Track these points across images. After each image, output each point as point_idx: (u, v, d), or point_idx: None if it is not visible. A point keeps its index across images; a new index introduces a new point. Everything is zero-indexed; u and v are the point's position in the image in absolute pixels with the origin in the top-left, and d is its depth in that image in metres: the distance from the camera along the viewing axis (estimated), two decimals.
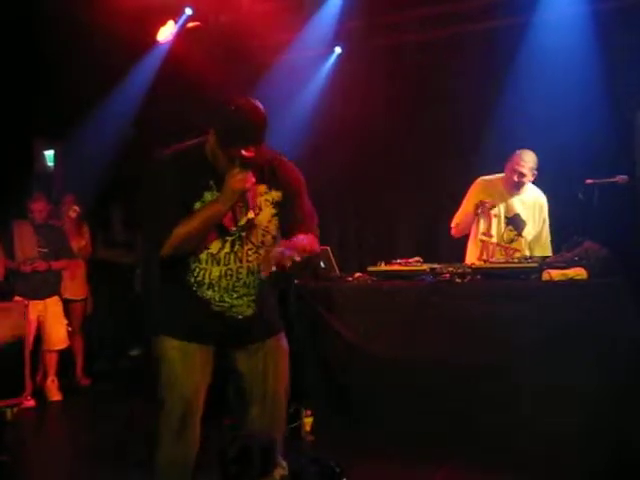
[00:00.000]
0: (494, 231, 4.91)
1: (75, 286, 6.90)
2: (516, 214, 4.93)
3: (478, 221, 4.94)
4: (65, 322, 6.54)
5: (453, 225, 5.08)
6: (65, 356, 6.65)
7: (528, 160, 4.79)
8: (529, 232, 4.93)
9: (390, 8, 6.62)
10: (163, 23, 6.94)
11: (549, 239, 4.96)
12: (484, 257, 4.83)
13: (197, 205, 2.66)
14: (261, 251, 2.74)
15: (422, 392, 4.29)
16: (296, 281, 4.85)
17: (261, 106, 2.63)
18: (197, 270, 2.70)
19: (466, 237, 5.09)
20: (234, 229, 2.70)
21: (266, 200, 2.75)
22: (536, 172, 4.83)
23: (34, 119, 7.02)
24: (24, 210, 6.44)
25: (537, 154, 4.82)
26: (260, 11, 6.66)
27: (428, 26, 6.58)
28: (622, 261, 4.19)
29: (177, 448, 2.72)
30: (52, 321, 6.37)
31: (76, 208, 6.95)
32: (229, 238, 2.70)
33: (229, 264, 2.70)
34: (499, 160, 4.94)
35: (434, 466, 3.96)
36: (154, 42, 7.00)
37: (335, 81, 7.02)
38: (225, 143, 2.59)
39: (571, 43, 5.72)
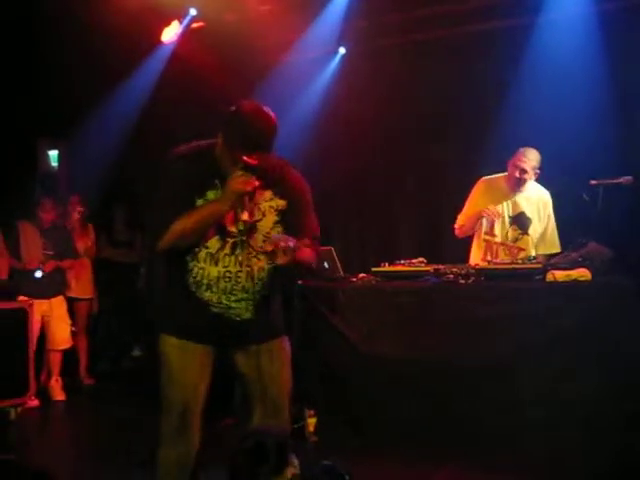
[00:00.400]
0: (498, 231, 4.90)
1: (81, 285, 6.92)
2: (521, 212, 4.90)
3: (482, 221, 4.94)
4: (69, 322, 6.55)
5: (457, 226, 5.07)
6: (69, 356, 6.66)
7: (531, 158, 4.78)
8: (535, 230, 4.90)
9: (394, 8, 6.61)
10: (167, 23, 6.95)
11: (556, 236, 4.91)
12: (488, 257, 4.82)
13: (199, 202, 2.68)
14: (262, 257, 2.74)
15: (425, 393, 4.29)
16: (300, 282, 4.85)
17: (272, 114, 2.64)
18: (195, 270, 2.71)
19: (470, 237, 5.08)
20: (234, 231, 2.71)
21: (270, 207, 2.76)
22: (539, 171, 4.82)
23: (38, 119, 7.03)
24: (28, 210, 6.46)
25: (542, 154, 4.81)
26: (264, 11, 6.66)
27: (432, 26, 6.57)
28: (626, 262, 4.18)
29: (177, 446, 2.74)
30: (57, 321, 6.38)
31: (80, 210, 6.98)
32: (229, 240, 2.71)
33: (228, 266, 2.71)
34: (503, 160, 4.93)
35: (435, 466, 3.96)
36: (158, 42, 7.00)
37: (339, 81, 7.01)
38: (231, 146, 2.61)
39: (576, 43, 5.70)
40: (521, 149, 4.81)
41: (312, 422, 4.69)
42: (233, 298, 2.73)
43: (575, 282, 4.13)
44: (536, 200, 4.91)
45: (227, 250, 2.71)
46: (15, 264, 6.27)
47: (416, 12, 6.64)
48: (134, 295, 7.55)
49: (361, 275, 4.91)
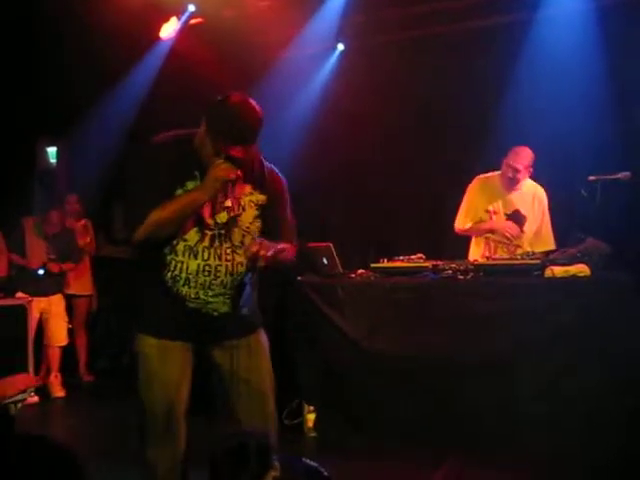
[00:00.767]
0: None
1: (80, 282, 6.92)
2: (516, 210, 4.93)
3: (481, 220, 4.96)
4: (66, 320, 6.57)
5: (459, 227, 5.05)
6: (68, 353, 6.67)
7: (524, 157, 4.79)
8: (530, 227, 4.92)
9: (393, 4, 6.60)
10: (166, 20, 6.94)
11: (551, 233, 4.94)
12: (487, 254, 4.83)
13: (178, 192, 2.63)
14: (239, 251, 2.71)
15: (424, 389, 4.29)
16: (299, 278, 4.85)
17: (258, 107, 2.62)
18: (173, 263, 2.66)
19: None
20: (212, 223, 2.67)
21: (250, 201, 2.74)
22: (532, 169, 4.83)
23: (37, 117, 7.02)
24: (29, 208, 6.48)
25: (540, 151, 4.82)
26: (263, 7, 6.65)
27: (431, 22, 6.56)
28: (624, 258, 4.19)
29: (164, 446, 2.71)
30: (55, 319, 6.41)
31: (78, 209, 7.00)
32: (208, 232, 2.68)
33: (208, 260, 2.67)
34: (502, 156, 4.94)
35: (435, 463, 3.95)
36: (157, 39, 7.00)
37: (338, 77, 7.01)
38: (215, 137, 2.58)
39: (575, 39, 5.70)
40: (514, 148, 4.83)
41: (311, 418, 4.70)
42: (211, 293, 2.69)
43: (574, 278, 4.13)
44: (530, 197, 4.93)
45: (206, 243, 2.67)
46: (18, 260, 6.29)
47: (415, 8, 6.63)
48: (132, 292, 7.54)
49: (360, 271, 4.91)
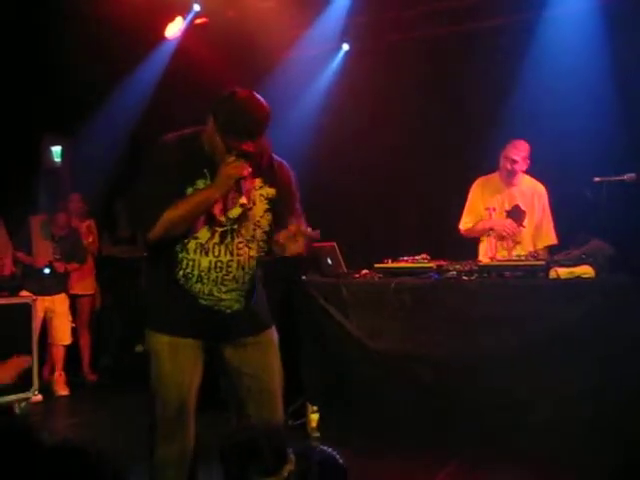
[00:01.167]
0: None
1: (83, 282, 6.94)
2: (515, 205, 4.97)
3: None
4: (70, 319, 6.58)
5: (464, 228, 5.07)
6: (72, 352, 6.68)
7: (520, 148, 4.88)
8: (530, 222, 4.95)
9: (398, 4, 6.60)
10: (171, 19, 6.95)
11: (552, 227, 4.95)
12: (490, 252, 4.85)
13: (189, 190, 2.64)
14: (252, 245, 2.73)
15: (427, 389, 4.29)
16: (303, 277, 4.85)
17: (264, 101, 2.63)
18: (185, 262, 2.67)
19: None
20: (224, 219, 2.68)
21: (260, 195, 2.75)
22: (529, 161, 4.90)
23: (41, 115, 7.04)
24: (34, 205, 6.50)
25: (545, 151, 4.85)
26: (268, 7, 6.65)
27: (437, 22, 6.55)
28: (629, 259, 4.18)
29: (175, 444, 2.71)
30: (59, 318, 6.42)
31: (82, 206, 7.02)
32: (219, 229, 2.69)
33: (219, 256, 2.68)
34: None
35: (438, 464, 3.95)
36: (162, 38, 7.00)
37: (343, 78, 7.00)
38: (225, 133, 2.58)
39: (580, 39, 5.69)
40: (511, 141, 4.91)
41: (314, 418, 4.69)
42: (224, 289, 2.70)
43: (578, 279, 4.13)
44: (530, 193, 4.97)
45: (216, 239, 2.68)
46: (24, 259, 6.31)
47: (419, 9, 6.63)
48: (136, 291, 7.55)
49: (364, 271, 4.91)
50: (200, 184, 2.65)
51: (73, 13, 6.28)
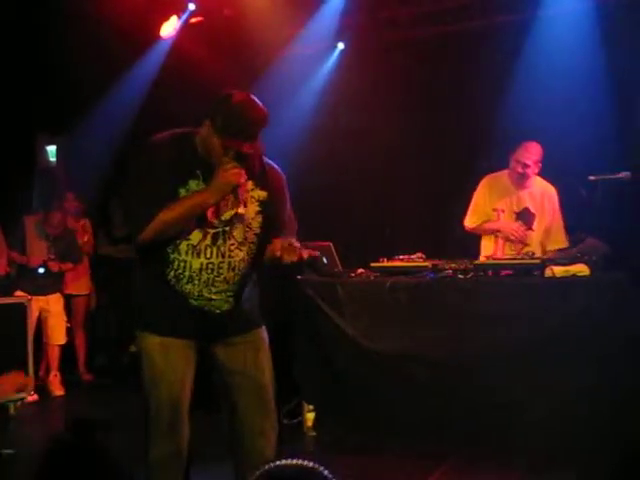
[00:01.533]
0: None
1: (79, 281, 6.92)
2: (525, 208, 4.89)
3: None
4: (65, 319, 6.57)
5: (469, 225, 5.02)
6: (67, 351, 6.67)
7: (533, 152, 4.77)
8: (539, 225, 4.88)
9: (393, 3, 6.60)
10: (166, 18, 6.93)
11: (562, 231, 4.87)
12: (497, 251, 4.82)
13: (182, 192, 2.63)
14: (244, 247, 2.72)
15: (423, 388, 4.29)
16: (298, 277, 4.85)
17: (261, 103, 2.63)
18: (176, 262, 2.67)
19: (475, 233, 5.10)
20: (216, 222, 2.68)
21: (252, 197, 2.74)
22: (540, 164, 4.81)
23: (36, 114, 7.02)
24: (28, 205, 6.49)
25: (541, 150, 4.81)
26: (263, 6, 6.63)
27: (432, 22, 6.56)
28: (624, 258, 4.19)
29: (169, 443, 2.70)
30: (54, 318, 6.41)
31: (80, 206, 7.01)
32: (211, 230, 2.68)
33: (211, 257, 2.68)
34: (503, 155, 4.94)
35: (434, 462, 3.96)
36: (157, 37, 6.99)
37: (338, 77, 7.00)
38: (225, 135, 2.57)
39: (576, 39, 5.69)
40: (523, 143, 4.80)
41: (310, 417, 4.70)
42: (214, 290, 2.70)
43: (573, 278, 4.13)
44: (540, 195, 4.89)
45: (208, 241, 2.68)
46: (18, 258, 6.29)
47: (416, 7, 6.63)
48: (132, 291, 7.54)
49: (360, 270, 4.91)
50: (192, 185, 2.64)
51: (69, 12, 6.26)
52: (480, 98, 6.16)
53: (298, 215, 2.98)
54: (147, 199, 2.62)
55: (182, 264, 2.67)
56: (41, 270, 6.27)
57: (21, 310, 5.58)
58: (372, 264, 4.84)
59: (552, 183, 4.98)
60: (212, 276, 2.68)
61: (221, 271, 2.69)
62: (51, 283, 6.39)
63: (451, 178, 6.21)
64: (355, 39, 7.02)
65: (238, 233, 2.71)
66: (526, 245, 4.82)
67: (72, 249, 6.59)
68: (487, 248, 4.96)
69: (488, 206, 4.96)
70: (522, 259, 4.47)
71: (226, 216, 2.69)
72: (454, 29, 6.48)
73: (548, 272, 4.21)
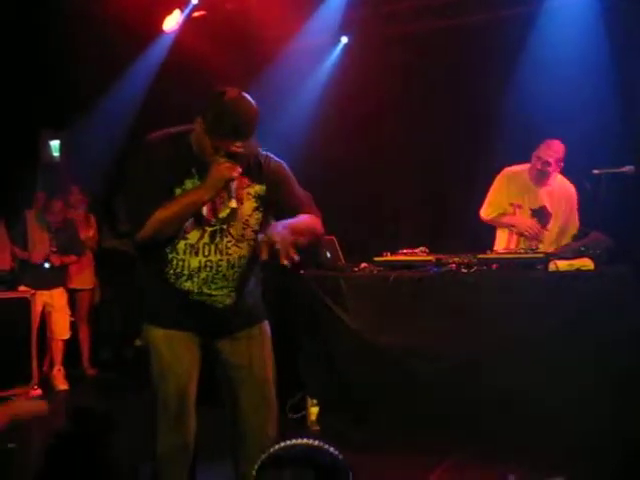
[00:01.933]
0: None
1: (82, 276, 6.93)
2: (542, 206, 4.84)
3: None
4: (69, 313, 6.58)
5: (486, 215, 4.98)
6: (71, 346, 6.68)
7: (554, 150, 4.71)
8: (555, 224, 4.83)
9: None
10: (169, 12, 6.93)
11: (576, 231, 4.80)
12: (511, 245, 4.80)
13: (177, 191, 2.63)
14: (242, 244, 2.72)
15: (425, 382, 4.29)
16: (302, 272, 4.85)
17: (253, 101, 2.61)
18: (175, 261, 2.67)
19: (477, 226, 5.08)
20: (213, 220, 2.67)
21: (248, 193, 2.72)
22: (562, 164, 4.76)
23: (40, 109, 7.02)
24: (31, 200, 6.49)
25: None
26: (266, 0, 6.63)
27: (435, 15, 6.54)
28: (628, 251, 4.18)
29: (176, 436, 2.71)
30: (58, 312, 6.42)
31: (85, 200, 7.01)
32: (208, 229, 2.67)
33: (209, 255, 2.67)
34: (506, 148, 4.93)
35: (437, 458, 3.95)
36: (160, 31, 6.98)
37: (341, 70, 6.99)
38: (214, 134, 2.56)
39: (579, 31, 5.68)
40: (546, 141, 4.74)
41: (314, 411, 4.70)
42: (214, 286, 2.70)
43: (577, 272, 4.12)
44: (559, 195, 4.83)
45: (206, 239, 2.67)
46: (21, 254, 6.29)
47: (419, 1, 6.62)
48: (135, 285, 7.55)
49: (363, 265, 4.90)
50: (188, 184, 2.64)
51: (71, 9, 6.27)
52: (484, 91, 6.15)
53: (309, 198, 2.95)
54: (144, 199, 2.62)
55: (180, 263, 2.67)
56: (47, 265, 6.28)
57: (25, 305, 5.60)
58: (375, 258, 4.83)
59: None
60: (211, 274, 2.68)
61: (220, 269, 2.69)
62: (54, 277, 6.40)
63: (456, 172, 6.20)
64: (358, 33, 7.02)
65: (235, 230, 2.71)
66: (540, 243, 4.78)
67: (74, 241, 6.60)
68: (501, 239, 4.94)
69: (505, 200, 4.90)
70: (526, 253, 4.46)
71: (223, 214, 2.68)
72: (457, 22, 6.47)
73: (552, 266, 4.19)
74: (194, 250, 2.66)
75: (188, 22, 6.97)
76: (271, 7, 6.59)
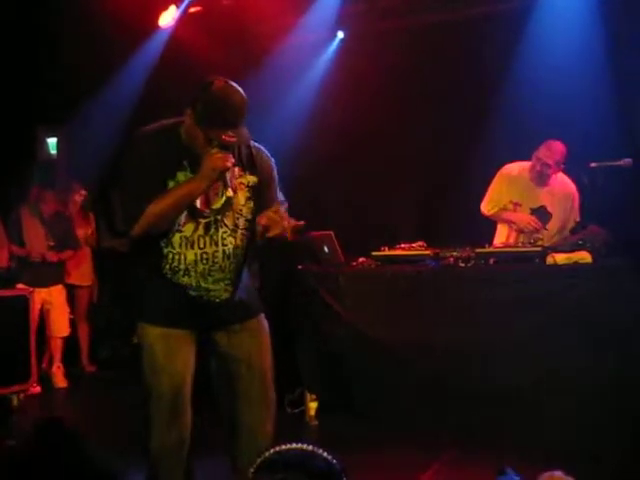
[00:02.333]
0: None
1: (81, 272, 6.91)
2: (541, 206, 4.84)
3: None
4: (68, 310, 6.58)
5: (487, 211, 4.99)
6: (70, 343, 6.67)
7: (554, 151, 4.70)
8: (554, 225, 4.83)
9: None
10: (165, 8, 6.91)
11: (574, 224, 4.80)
12: (510, 241, 4.80)
13: (170, 184, 2.62)
14: (236, 234, 2.71)
15: (425, 377, 4.29)
16: (300, 267, 4.85)
17: (241, 90, 2.61)
18: (171, 256, 2.66)
19: (476, 221, 5.08)
20: (207, 211, 2.67)
21: (241, 183, 2.73)
22: (563, 165, 4.74)
23: (36, 106, 7.01)
24: (27, 198, 6.47)
25: (540, 137, 4.78)
26: None
27: (431, 9, 6.53)
28: (626, 244, 4.18)
29: (170, 434, 2.71)
30: (57, 309, 6.40)
31: (83, 193, 7.00)
32: (202, 220, 2.67)
33: (204, 248, 2.67)
34: (503, 141, 4.92)
35: (436, 452, 3.96)
36: (156, 27, 6.97)
37: (338, 65, 6.97)
38: (205, 125, 2.56)
39: (576, 26, 5.66)
40: (546, 142, 4.73)
41: (313, 407, 4.71)
42: (211, 279, 2.70)
43: (575, 265, 4.12)
44: (559, 194, 4.83)
45: (201, 231, 2.67)
46: (17, 251, 6.28)
47: None
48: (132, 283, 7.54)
49: (361, 259, 4.90)
50: (180, 176, 2.63)
51: (67, 3, 6.25)
52: (480, 84, 6.14)
53: (299, 203, 2.97)
54: (137, 193, 2.62)
55: (177, 257, 2.66)
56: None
57: (23, 302, 5.58)
58: (373, 253, 4.84)
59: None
60: (207, 266, 2.68)
61: (216, 260, 2.69)
62: (52, 274, 6.38)
63: (453, 166, 6.19)
64: (355, 27, 7.00)
65: (229, 221, 2.71)
66: (539, 239, 4.77)
67: (69, 235, 6.57)
68: (501, 234, 4.95)
69: (505, 198, 4.90)
70: (524, 247, 4.46)
71: (217, 204, 2.67)
72: (454, 17, 6.44)
73: (550, 259, 4.20)
74: (189, 243, 2.66)
75: (184, 17, 6.94)
76: (267, 2, 6.57)
